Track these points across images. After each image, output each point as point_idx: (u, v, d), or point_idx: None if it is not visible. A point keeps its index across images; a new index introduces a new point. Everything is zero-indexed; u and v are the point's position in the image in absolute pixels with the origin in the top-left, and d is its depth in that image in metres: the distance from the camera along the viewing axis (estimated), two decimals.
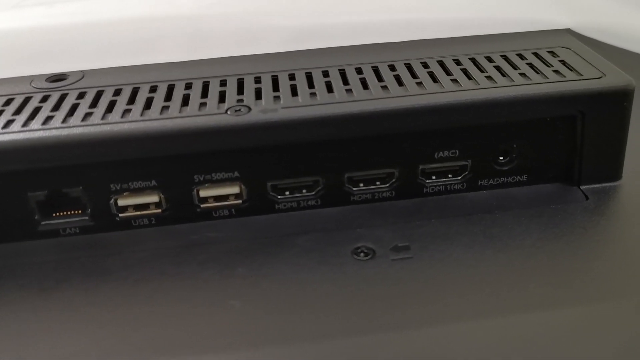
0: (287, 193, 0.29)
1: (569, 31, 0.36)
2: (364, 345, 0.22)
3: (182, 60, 0.33)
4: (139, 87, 0.30)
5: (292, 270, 0.26)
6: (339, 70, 0.31)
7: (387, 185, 0.30)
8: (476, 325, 0.23)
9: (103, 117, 0.27)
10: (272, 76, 0.31)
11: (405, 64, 0.31)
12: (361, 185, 0.30)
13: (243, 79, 0.31)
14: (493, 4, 0.36)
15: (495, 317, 0.23)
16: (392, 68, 0.31)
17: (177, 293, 0.25)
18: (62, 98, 0.30)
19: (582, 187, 0.30)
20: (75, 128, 0.27)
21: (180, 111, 0.28)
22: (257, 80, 0.30)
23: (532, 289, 0.24)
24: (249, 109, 0.28)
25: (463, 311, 0.24)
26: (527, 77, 0.29)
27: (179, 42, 0.34)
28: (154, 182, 0.28)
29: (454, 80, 0.29)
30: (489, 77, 0.29)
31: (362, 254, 0.27)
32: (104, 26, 0.34)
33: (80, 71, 0.32)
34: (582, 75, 0.29)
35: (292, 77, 0.31)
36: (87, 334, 0.23)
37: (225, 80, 0.30)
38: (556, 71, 0.30)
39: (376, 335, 0.23)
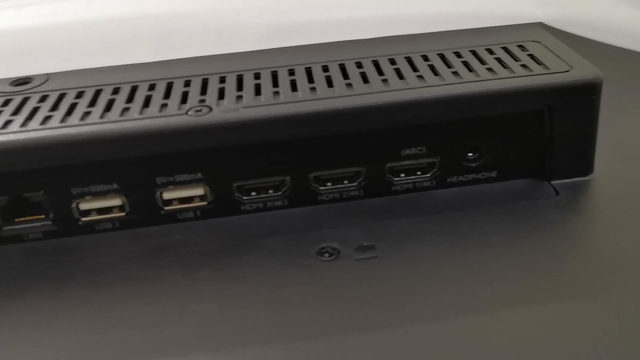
0: (253, 194, 0.29)
1: (541, 24, 0.36)
2: (324, 346, 0.22)
3: (150, 61, 0.33)
4: (101, 89, 0.30)
5: (255, 272, 0.25)
6: (305, 68, 0.30)
7: (355, 184, 0.29)
8: (438, 325, 0.23)
9: (62, 120, 0.27)
10: (238, 75, 0.30)
11: (372, 61, 0.31)
12: (328, 184, 0.29)
13: (208, 79, 0.30)
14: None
15: (459, 317, 0.23)
16: (359, 65, 0.30)
17: (139, 297, 0.25)
18: (24, 102, 0.29)
19: (553, 183, 0.30)
20: (33, 132, 0.26)
21: (140, 112, 0.27)
22: (222, 80, 0.30)
23: (499, 288, 0.24)
24: (210, 109, 0.27)
25: (425, 311, 0.23)
26: (494, 71, 0.29)
27: (147, 43, 0.33)
28: (115, 185, 0.28)
29: (420, 77, 0.29)
30: (455, 73, 0.29)
31: (326, 255, 0.26)
32: (71, 28, 0.34)
33: (46, 74, 0.32)
34: (549, 68, 0.29)
35: (257, 76, 0.30)
36: (50, 340, 0.23)
37: (190, 81, 0.30)
38: (524, 65, 0.29)
39: (335, 336, 0.22)
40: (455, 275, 0.25)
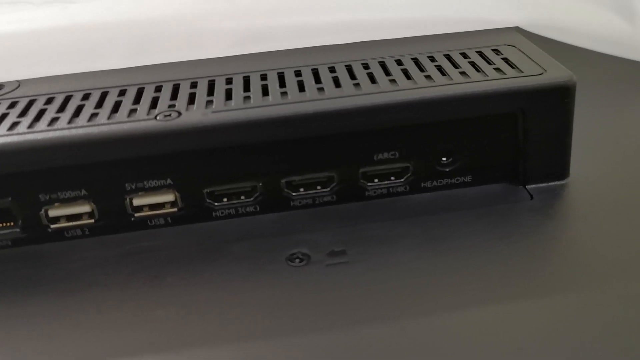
0: (225, 200, 0.29)
1: (517, 29, 0.36)
2: (292, 351, 0.22)
3: (124, 67, 0.32)
4: (72, 95, 0.29)
5: (223, 278, 0.25)
6: (278, 73, 0.30)
7: (328, 189, 0.29)
8: (410, 329, 0.22)
9: (30, 126, 0.27)
10: (209, 81, 0.30)
11: (345, 66, 0.31)
12: (301, 189, 0.29)
13: (179, 84, 0.30)
14: (442, 4, 0.35)
15: (431, 320, 0.23)
16: (331, 70, 0.30)
17: (104, 304, 0.24)
18: None
19: (528, 187, 0.30)
20: (0, 137, 0.26)
21: (108, 118, 0.27)
22: (194, 85, 0.30)
23: (469, 291, 0.24)
24: (179, 113, 0.27)
25: (396, 315, 0.23)
26: (467, 75, 0.29)
27: (120, 48, 0.33)
28: (84, 192, 0.27)
29: (392, 81, 0.29)
30: (428, 77, 0.29)
31: (297, 260, 0.26)
32: (44, 35, 0.34)
33: (17, 81, 0.32)
34: (522, 72, 0.29)
35: (229, 81, 0.30)
36: (15, 347, 0.23)
37: (161, 86, 0.30)
38: (497, 69, 0.29)
39: (303, 340, 0.22)
40: (426, 278, 0.24)
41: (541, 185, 0.30)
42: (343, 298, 0.24)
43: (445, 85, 0.28)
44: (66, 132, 0.26)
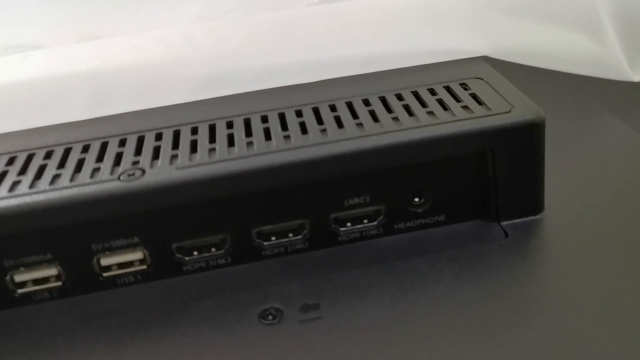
0: (195, 253, 0.28)
1: (485, 58, 0.35)
2: None
3: (87, 117, 0.32)
4: (34, 153, 0.29)
5: (189, 341, 0.25)
6: (244, 119, 0.30)
7: (300, 236, 0.29)
8: None
9: None
10: (174, 131, 0.30)
11: (312, 108, 0.30)
12: (273, 238, 0.29)
13: (144, 136, 0.29)
14: (408, 37, 0.35)
15: None
16: (298, 114, 0.30)
17: None
18: None
19: (503, 223, 0.29)
20: None
21: (71, 179, 0.27)
22: (158, 136, 0.29)
23: (439, 347, 0.23)
24: (143, 172, 0.26)
25: None
26: (435, 115, 0.28)
27: (82, 99, 0.32)
28: (49, 255, 0.27)
29: (359, 125, 0.28)
30: (395, 119, 0.28)
31: (269, 317, 0.26)
32: (4, 89, 0.33)
33: None
34: (490, 110, 0.28)
35: (194, 130, 0.29)
36: None
37: (125, 139, 0.29)
38: (465, 106, 0.29)
39: None
40: (397, 333, 0.24)
41: (516, 221, 0.29)
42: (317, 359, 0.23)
43: (413, 128, 0.27)
44: (27, 199, 0.25)
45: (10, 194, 0.26)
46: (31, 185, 0.26)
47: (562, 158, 0.33)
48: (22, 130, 0.31)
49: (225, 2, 0.40)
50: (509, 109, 0.28)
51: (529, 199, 0.29)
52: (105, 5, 0.41)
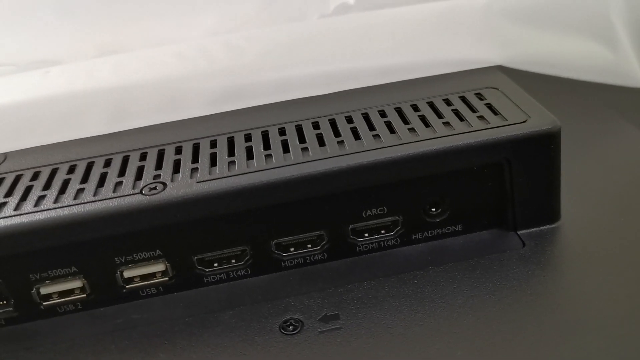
0: (216, 265, 0.29)
1: (499, 68, 0.36)
2: None
3: (108, 132, 0.33)
4: (57, 168, 0.30)
5: (213, 352, 0.25)
6: (262, 132, 0.30)
7: (319, 247, 0.29)
8: None
9: (16, 207, 0.27)
10: (194, 144, 0.30)
11: (329, 120, 0.31)
12: (292, 250, 0.29)
13: (164, 149, 0.30)
14: (422, 47, 0.35)
15: None
16: (315, 126, 0.30)
17: None
18: None
19: (520, 232, 0.29)
20: None
21: (95, 193, 0.27)
22: (178, 150, 0.30)
23: (459, 357, 0.23)
24: (165, 185, 0.27)
25: None
26: (451, 126, 0.29)
27: (103, 114, 0.33)
28: (74, 269, 0.27)
29: (376, 136, 0.29)
30: (411, 129, 0.29)
31: (290, 327, 0.26)
32: (27, 105, 0.34)
33: (3, 153, 0.32)
34: (506, 119, 0.28)
35: (213, 144, 0.30)
36: None
37: (146, 153, 0.30)
38: (481, 117, 0.29)
39: None
40: (416, 344, 0.24)
41: (533, 230, 0.29)
42: None
43: (430, 139, 0.28)
44: (53, 213, 0.26)
45: (36, 209, 0.26)
46: (56, 200, 0.27)
47: (577, 166, 0.33)
48: (45, 145, 0.32)
49: (239, 15, 0.41)
50: (524, 118, 0.28)
51: (546, 208, 0.29)
52: (121, 19, 0.41)
